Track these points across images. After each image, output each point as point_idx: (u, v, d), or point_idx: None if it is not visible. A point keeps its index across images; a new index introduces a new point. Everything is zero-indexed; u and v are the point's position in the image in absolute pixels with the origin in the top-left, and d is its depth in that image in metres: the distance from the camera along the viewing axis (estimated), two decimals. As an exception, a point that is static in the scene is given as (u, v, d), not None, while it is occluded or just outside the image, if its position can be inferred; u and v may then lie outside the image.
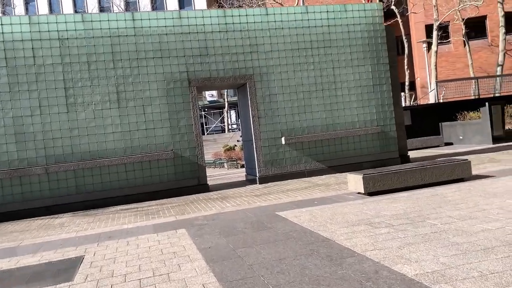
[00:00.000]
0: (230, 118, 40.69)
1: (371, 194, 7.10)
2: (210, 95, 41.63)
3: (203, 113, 41.23)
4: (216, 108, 42.26)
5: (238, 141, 29.71)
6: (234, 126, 40.58)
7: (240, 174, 13.87)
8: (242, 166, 18.79)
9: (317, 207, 6.56)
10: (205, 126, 41.34)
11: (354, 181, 7.26)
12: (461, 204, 5.72)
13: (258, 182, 10.21)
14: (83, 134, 9.19)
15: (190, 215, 7.09)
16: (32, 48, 8.97)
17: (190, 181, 9.77)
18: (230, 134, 33.61)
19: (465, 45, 28.10)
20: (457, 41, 29.97)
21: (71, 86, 9.17)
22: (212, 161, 21.76)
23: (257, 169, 10.21)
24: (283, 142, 10.27)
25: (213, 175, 15.27)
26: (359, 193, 7.36)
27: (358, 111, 10.93)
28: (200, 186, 9.82)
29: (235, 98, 38.94)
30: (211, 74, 9.97)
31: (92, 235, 6.29)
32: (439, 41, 26.70)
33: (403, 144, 11.50)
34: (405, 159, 11.48)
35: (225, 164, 20.56)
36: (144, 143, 9.53)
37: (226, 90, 36.41)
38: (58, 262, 4.91)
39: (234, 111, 42.66)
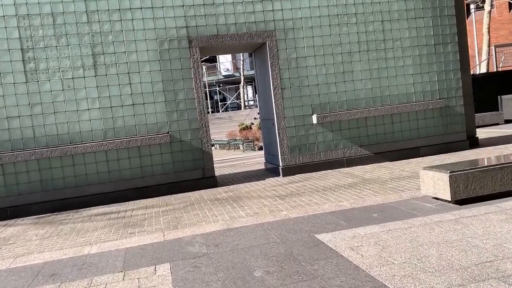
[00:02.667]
0: (247, 94, 38.22)
1: (460, 202, 4.71)
2: (225, 69, 39.19)
3: (217, 88, 38.87)
4: (231, 83, 39.83)
5: (255, 118, 27.39)
6: (251, 102, 38.15)
7: (257, 159, 11.60)
8: (260, 148, 16.51)
9: (381, 226, 4.22)
10: (220, 103, 39.05)
11: (432, 180, 4.87)
12: None
13: (281, 173, 7.90)
14: (49, 112, 6.99)
15: (185, 231, 4.85)
16: (-26, -5, 6.72)
17: (192, 174, 7.52)
18: (246, 111, 31.26)
19: (510, 9, 24.80)
20: (501, 5, 26.71)
21: (31, 46, 6.92)
22: (226, 142, 19.55)
23: (280, 157, 7.89)
24: (315, 121, 7.89)
25: (226, 160, 13.03)
26: (437, 198, 4.98)
27: (414, 79, 8.40)
28: (205, 180, 7.57)
29: (253, 72, 36.42)
30: (219, 30, 7.57)
31: (30, 267, 4.13)
32: (479, 4, 23.44)
33: (471, 122, 8.97)
34: (474, 141, 8.97)
35: (240, 146, 18.30)
36: (130, 123, 7.28)
37: (241, 58, 33.87)
38: None
39: (251, 86, 40.18)
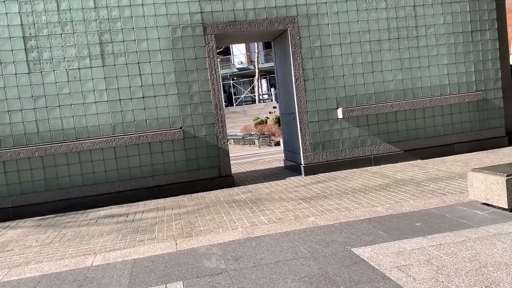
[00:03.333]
0: (261, 88, 37.57)
1: (517, 209, 4.07)
2: (239, 62, 38.59)
3: (231, 81, 38.31)
4: (245, 76, 39.21)
5: (270, 112, 26.80)
6: (265, 96, 37.50)
7: (275, 155, 11.03)
8: (277, 144, 15.95)
9: (429, 239, 3.63)
10: (233, 96, 38.51)
11: (484, 184, 4.24)
12: None
13: (303, 172, 7.32)
14: (53, 105, 6.52)
15: (200, 239, 4.32)
16: (-27, -22, 6.26)
17: (207, 172, 6.99)
18: (261, 105, 30.65)
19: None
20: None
21: (33, 34, 6.44)
22: (240, 137, 19.02)
23: (301, 154, 7.30)
24: (340, 116, 7.27)
25: (241, 156, 12.49)
26: (489, 204, 4.35)
27: (449, 70, 7.71)
28: (221, 180, 7.03)
29: (267, 65, 35.78)
30: (236, 16, 6.99)
31: (25, 282, 3.65)
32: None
33: (511, 117, 8.24)
34: (513, 138, 8.26)
35: (255, 141, 17.76)
36: (141, 117, 6.76)
37: (255, 50, 33.23)
38: None
39: (265, 79, 39.52)
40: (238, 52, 38.85)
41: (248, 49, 38.32)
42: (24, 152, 6.32)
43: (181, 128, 6.87)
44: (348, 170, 7.37)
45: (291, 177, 7.35)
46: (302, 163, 7.33)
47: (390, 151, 7.57)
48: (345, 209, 4.86)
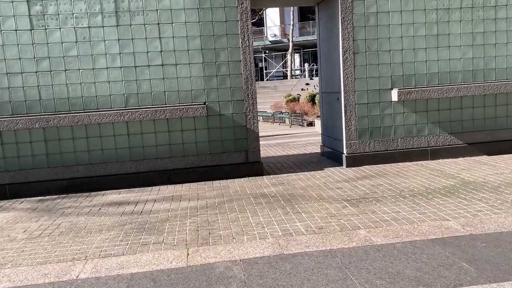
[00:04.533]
0: (294, 63, 36.07)
1: None
2: (272, 35, 37.10)
3: (263, 55, 36.95)
4: (278, 50, 37.75)
5: (302, 89, 25.54)
6: (297, 72, 36.04)
7: (308, 138, 9.96)
8: (310, 125, 14.84)
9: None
10: (264, 71, 37.23)
11: None
12: None
13: (344, 163, 6.25)
14: (58, 69, 5.63)
15: (218, 250, 3.37)
16: None
17: (232, 157, 6.02)
18: (293, 81, 29.34)
19: None
20: None
21: (38, -16, 5.51)
22: (270, 114, 17.95)
23: (344, 142, 6.22)
24: (394, 98, 6.11)
25: (271, 137, 11.47)
26: None
27: (533, 49, 6.37)
28: (249, 166, 6.06)
29: (302, 39, 34.19)
30: (277, -29, 5.83)
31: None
32: None
33: None
34: None
35: (286, 119, 16.67)
36: (158, 88, 5.81)
37: (291, 22, 31.66)
38: None
39: (298, 54, 37.94)
40: (272, 23, 37.31)
41: (282, 21, 36.72)
42: (23, 122, 5.50)
43: (204, 103, 5.89)
44: (400, 163, 6.25)
45: (330, 168, 6.29)
46: (345, 152, 6.25)
47: (451, 143, 6.38)
48: (406, 221, 3.80)
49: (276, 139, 10.74)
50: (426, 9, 6.13)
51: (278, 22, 36.93)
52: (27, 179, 5.70)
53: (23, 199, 5.58)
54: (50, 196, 5.62)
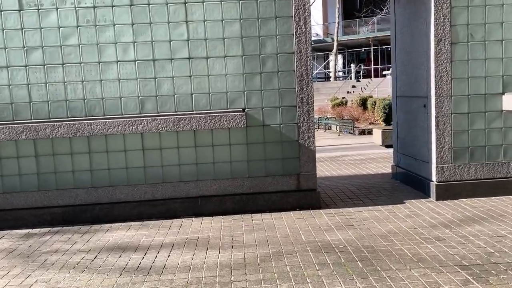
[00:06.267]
0: (337, 64, 34.15)
1: None
2: (314, 34, 35.32)
3: (304, 55, 35.22)
4: (320, 50, 35.94)
5: (348, 92, 23.75)
6: (340, 73, 34.10)
7: (366, 151, 8.35)
8: (362, 133, 13.13)
9: None
10: (305, 72, 35.48)
11: None
12: None
13: (434, 194, 4.60)
14: (53, 63, 4.32)
15: None
16: None
17: (279, 182, 4.52)
18: (337, 83, 27.54)
19: None
20: None
21: (29, -50, 4.22)
22: (315, 120, 16.38)
23: (433, 165, 4.57)
24: (507, 107, 4.41)
25: (318, 148, 9.85)
26: None
27: None
28: (301, 196, 4.53)
29: (346, 38, 32.33)
30: None
31: None
32: None
33: None
34: None
35: (332, 126, 15.01)
36: (184, 89, 4.40)
37: (336, 20, 29.82)
38: None
39: (341, 55, 35.98)
40: (314, 22, 35.55)
41: (325, 19, 34.97)
42: (7, 132, 4.22)
43: (243, 110, 4.42)
44: (510, 196, 4.53)
45: (413, 200, 4.66)
46: (434, 179, 4.61)
47: None
48: None
49: (325, 150, 9.14)
50: (557, -18, 4.40)
51: (320, 21, 35.18)
52: (13, 205, 4.42)
53: (6, 231, 4.31)
54: (39, 230, 4.31)
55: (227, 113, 4.32)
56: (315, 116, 16.11)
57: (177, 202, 4.50)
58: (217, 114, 4.32)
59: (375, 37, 29.69)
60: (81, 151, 4.41)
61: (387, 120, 12.65)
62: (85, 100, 4.38)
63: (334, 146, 10.05)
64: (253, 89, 4.43)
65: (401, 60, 5.39)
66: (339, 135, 13.12)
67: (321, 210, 4.47)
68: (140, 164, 4.47)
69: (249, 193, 4.54)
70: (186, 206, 4.50)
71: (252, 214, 4.44)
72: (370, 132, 12.26)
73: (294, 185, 4.55)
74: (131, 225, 4.32)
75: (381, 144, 9.35)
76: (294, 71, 4.43)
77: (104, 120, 4.27)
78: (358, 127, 13.37)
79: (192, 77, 4.41)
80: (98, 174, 4.45)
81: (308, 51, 4.43)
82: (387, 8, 35.68)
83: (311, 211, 4.47)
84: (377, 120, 13.70)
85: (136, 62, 4.36)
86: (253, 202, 4.52)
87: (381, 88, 21.66)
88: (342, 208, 4.51)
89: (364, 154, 8.22)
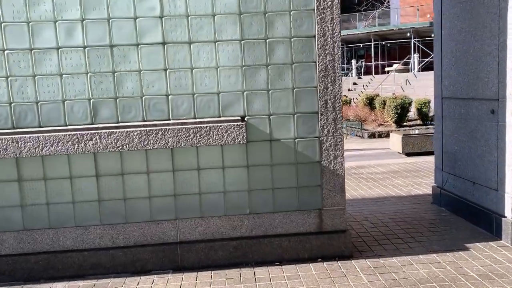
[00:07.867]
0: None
1: None
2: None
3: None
4: (317, 45, 34.58)
5: (349, 90, 22.52)
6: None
7: (383, 160, 7.18)
8: (372, 136, 11.87)
9: None
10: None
11: None
12: None
13: (508, 237, 3.29)
14: (43, 58, 2.96)
15: None
16: None
17: (293, 221, 3.20)
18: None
19: None
20: None
21: None
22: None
23: (506, 194, 3.27)
24: None
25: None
26: None
27: None
28: (325, 239, 3.22)
29: (345, 33, 30.99)
30: None
31: None
32: None
33: None
34: None
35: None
36: (155, 89, 3.08)
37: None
38: None
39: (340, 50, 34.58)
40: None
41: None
42: None
43: (242, 119, 3.09)
44: None
45: (478, 244, 3.37)
46: (509, 214, 3.31)
47: None
48: None
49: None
50: None
51: (318, 15, 33.87)
52: None
53: None
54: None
55: (220, 123, 2.99)
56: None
57: (147, 250, 3.17)
58: (204, 125, 2.99)
59: (376, 31, 28.46)
60: (6, 179, 3.07)
61: (399, 121, 11.39)
62: (11, 105, 3.03)
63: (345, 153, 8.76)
64: (257, 88, 3.10)
65: (451, 50, 4.08)
66: (346, 138, 11.86)
67: (352, 261, 3.17)
68: (93, 196, 3.13)
69: (251, 236, 3.22)
70: (160, 256, 3.17)
71: (255, 268, 3.13)
72: (381, 135, 10.98)
73: (314, 224, 3.23)
74: (80, 286, 2.98)
75: (400, 151, 8.08)
76: (316, 62, 3.11)
77: (36, 135, 2.92)
78: (367, 130, 12.09)
79: (168, 71, 3.07)
80: (33, 211, 3.11)
81: (336, 33, 3.11)
82: (387, 1, 34.42)
83: (339, 262, 3.16)
84: (387, 121, 12.44)
85: (86, 49, 3.02)
86: (257, 250, 3.21)
87: (385, 85, 20.44)
88: (382, 258, 3.21)
89: (383, 164, 6.93)
